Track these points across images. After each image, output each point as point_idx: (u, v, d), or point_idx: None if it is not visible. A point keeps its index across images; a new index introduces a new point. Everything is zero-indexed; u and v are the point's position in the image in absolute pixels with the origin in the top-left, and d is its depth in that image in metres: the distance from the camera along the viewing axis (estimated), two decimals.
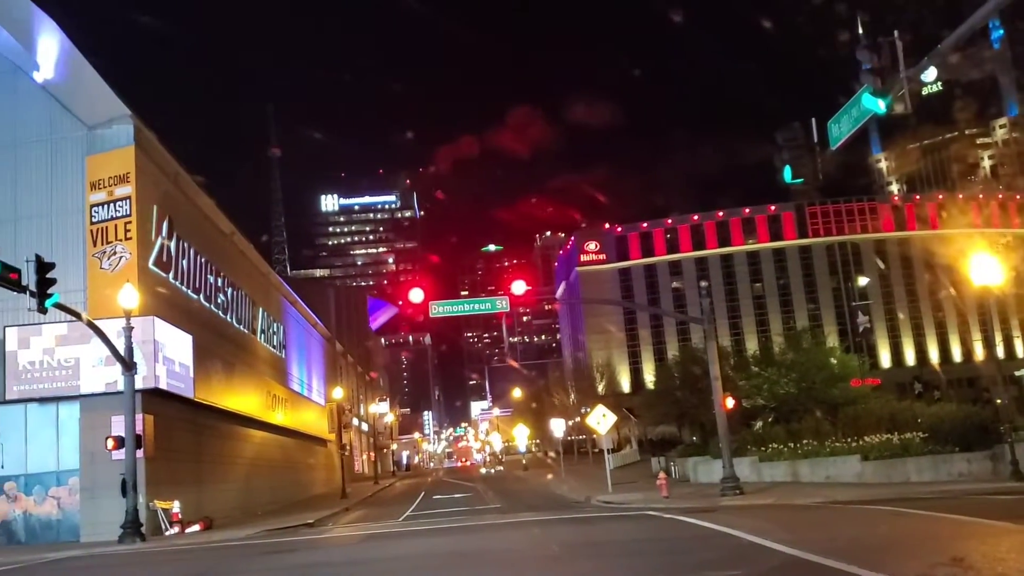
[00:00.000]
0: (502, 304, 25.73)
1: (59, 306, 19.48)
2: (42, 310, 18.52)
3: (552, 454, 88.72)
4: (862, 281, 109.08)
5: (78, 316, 21.19)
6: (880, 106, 11.95)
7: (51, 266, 18.67)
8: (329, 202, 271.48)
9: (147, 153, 29.10)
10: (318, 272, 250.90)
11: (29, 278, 18.27)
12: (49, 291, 18.67)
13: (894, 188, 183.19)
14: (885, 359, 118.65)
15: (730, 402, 28.18)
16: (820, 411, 36.85)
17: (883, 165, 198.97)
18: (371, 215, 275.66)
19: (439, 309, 25.51)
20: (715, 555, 12.20)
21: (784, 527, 14.85)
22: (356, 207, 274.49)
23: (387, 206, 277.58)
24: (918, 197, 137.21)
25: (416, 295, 24.64)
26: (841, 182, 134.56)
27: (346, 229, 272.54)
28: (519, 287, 24.61)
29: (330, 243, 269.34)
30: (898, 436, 27.44)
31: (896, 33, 11.85)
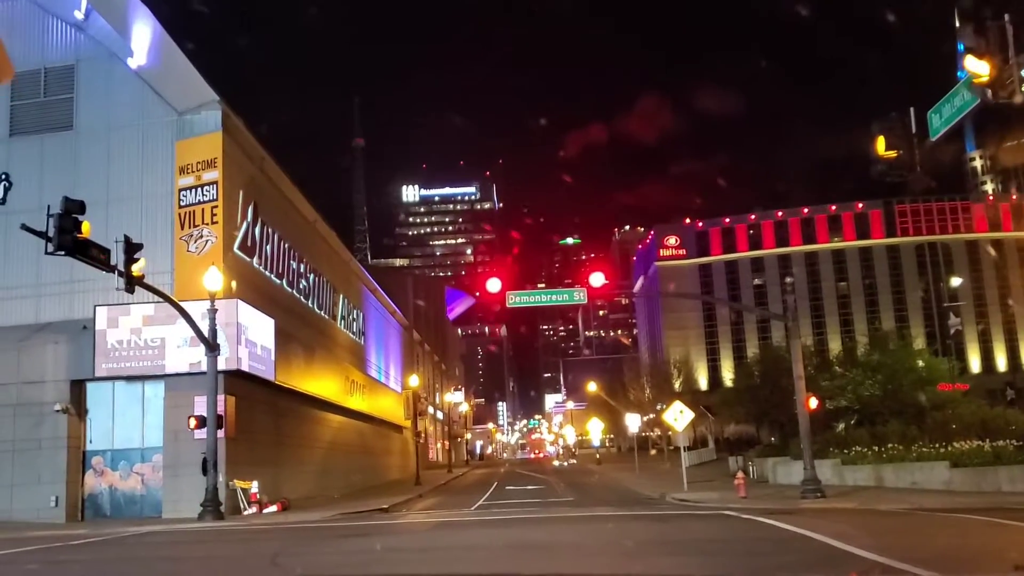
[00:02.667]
0: (580, 296, 25.42)
1: (146, 286, 19.98)
2: (129, 289, 19.01)
3: (625, 449, 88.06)
4: (955, 281, 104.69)
5: (164, 296, 21.71)
6: (988, 95, 11.25)
7: (139, 247, 19.15)
8: (410, 192, 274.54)
9: (234, 139, 29.67)
10: (398, 262, 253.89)
11: (117, 258, 18.74)
12: (136, 271, 19.11)
13: (988, 187, 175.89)
14: (975, 364, 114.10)
15: (813, 402, 27.28)
16: (906, 415, 35.59)
17: (977, 163, 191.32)
18: (450, 206, 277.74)
19: (516, 300, 25.34)
20: (795, 558, 11.76)
21: (869, 532, 14.29)
22: (436, 198, 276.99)
23: (467, 197, 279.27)
24: (1015, 196, 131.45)
25: (493, 285, 24.47)
26: (933, 180, 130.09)
27: (426, 220, 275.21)
28: (597, 279, 24.26)
29: (410, 233, 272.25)
30: (989, 443, 26.25)
31: (1007, 16, 11.13)
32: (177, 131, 28.91)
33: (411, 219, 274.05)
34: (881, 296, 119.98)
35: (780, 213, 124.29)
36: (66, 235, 15.68)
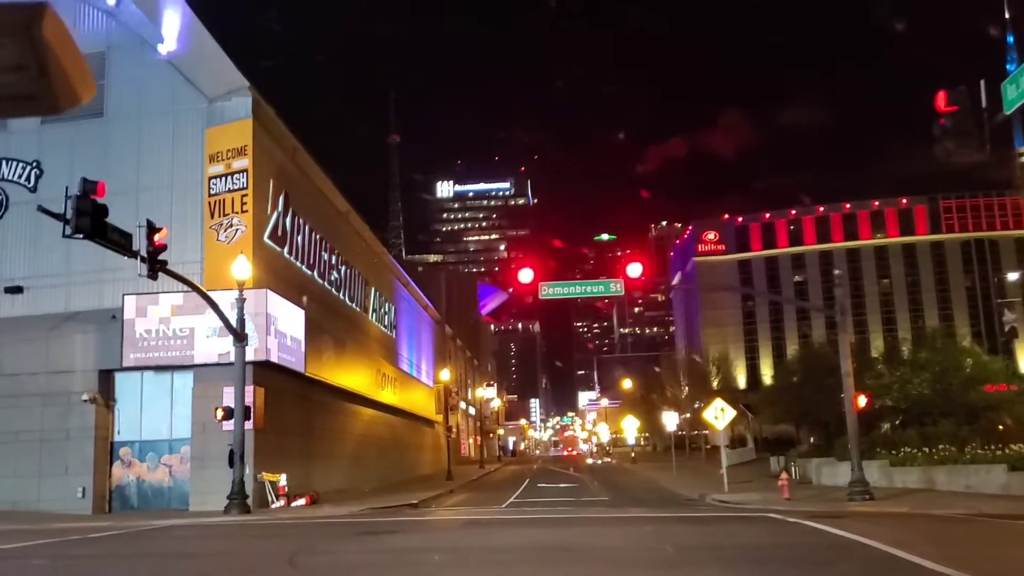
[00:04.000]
0: (616, 288, 24.47)
1: (169, 272, 19.41)
2: (152, 276, 18.45)
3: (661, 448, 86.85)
4: (1011, 276, 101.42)
5: (189, 284, 21.16)
6: None
7: (162, 231, 18.54)
8: (444, 188, 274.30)
9: (265, 127, 29.13)
10: (432, 258, 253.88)
11: (140, 244, 18.19)
12: (160, 257, 18.54)
13: None
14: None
15: (862, 400, 26.22)
16: (957, 416, 34.19)
17: None
18: (485, 202, 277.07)
19: (549, 291, 24.45)
20: (852, 568, 10.84)
21: (928, 540, 13.27)
22: (470, 193, 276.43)
23: (501, 193, 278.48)
24: None
25: (526, 275, 23.63)
26: (980, 176, 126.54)
27: (460, 215, 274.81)
28: (635, 270, 23.26)
29: (444, 229, 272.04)
30: None
31: None
32: (207, 118, 28.41)
33: (445, 215, 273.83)
34: (925, 294, 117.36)
35: (821, 208, 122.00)
36: (84, 217, 15.10)
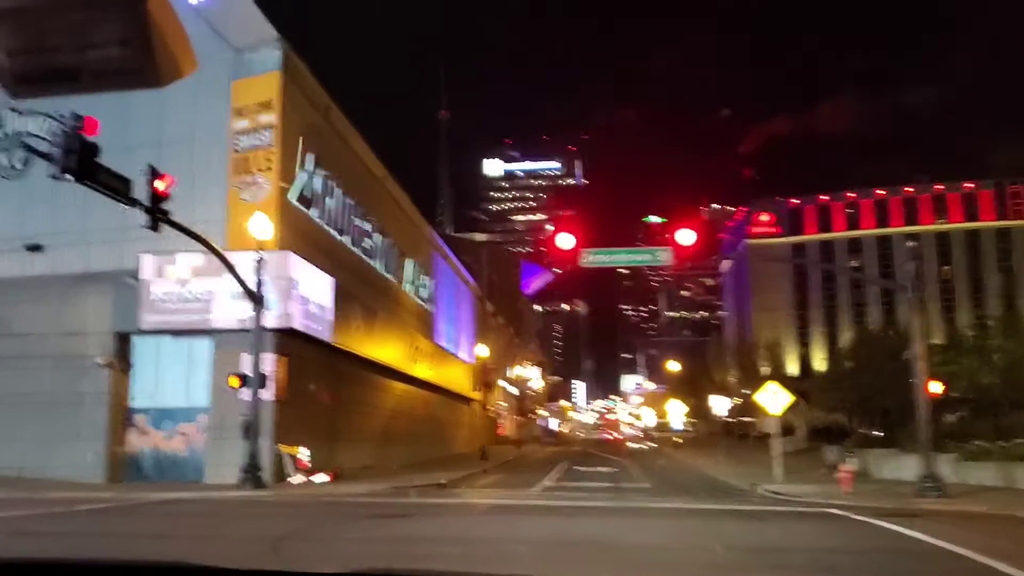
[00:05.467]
0: (664, 256, 22.25)
1: (173, 223, 17.83)
2: (153, 227, 16.86)
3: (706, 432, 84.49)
4: None
5: (198, 238, 19.56)
6: None
7: (165, 178, 16.94)
8: (493, 167, 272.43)
9: (295, 81, 27.49)
10: (479, 236, 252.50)
11: (142, 191, 16.61)
12: (163, 206, 16.96)
13: None
14: None
15: (935, 386, 23.87)
16: None
17: None
18: (533, 181, 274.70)
19: (590, 258, 22.38)
20: None
21: None
22: (519, 173, 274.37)
23: (550, 172, 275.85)
24: None
25: (564, 240, 21.15)
26: None
27: (508, 195, 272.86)
28: (687, 236, 21.04)
29: (492, 208, 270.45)
30: None
31: None
32: (234, 70, 26.77)
33: (493, 193, 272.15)
34: (988, 282, 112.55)
35: (881, 191, 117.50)
36: (71, 155, 13.52)
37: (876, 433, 41.54)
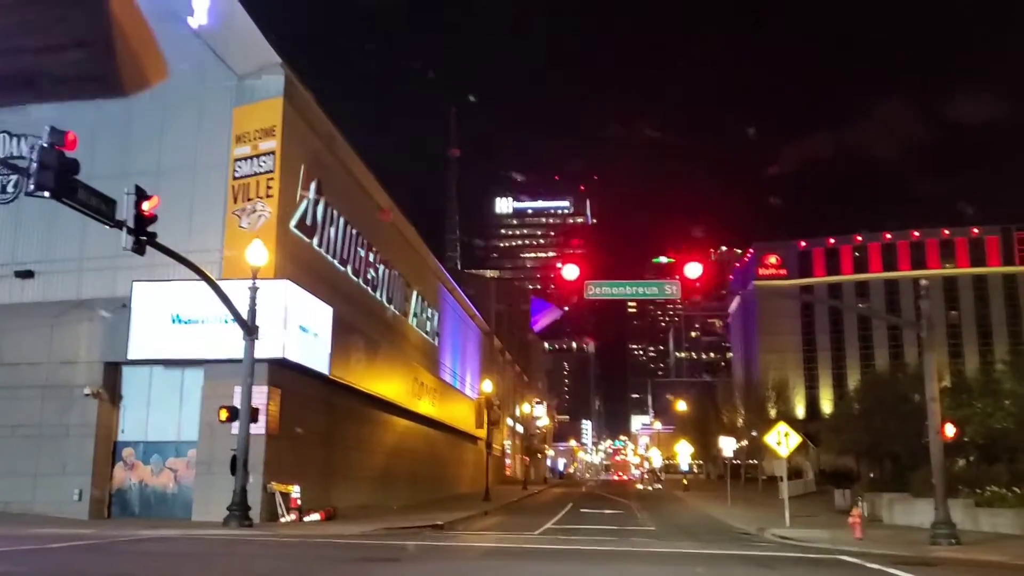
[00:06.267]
0: (671, 290, 21.66)
1: (160, 247, 17.21)
2: (138, 250, 16.24)
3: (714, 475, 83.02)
4: None
5: (183, 260, 18.90)
6: None
7: (152, 199, 16.32)
8: (503, 204, 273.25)
9: (297, 108, 27.05)
10: (488, 273, 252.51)
11: (127, 212, 15.99)
12: (150, 229, 16.33)
13: None
14: None
15: (950, 429, 22.94)
16: None
17: None
18: (543, 219, 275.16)
19: (596, 291, 21.76)
20: None
21: None
22: (529, 211, 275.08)
23: (560, 211, 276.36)
24: None
25: (570, 271, 20.93)
26: None
27: (518, 232, 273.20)
28: (694, 270, 20.48)
29: (501, 245, 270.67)
30: None
31: None
32: (236, 97, 26.41)
33: (503, 230, 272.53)
34: (996, 328, 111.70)
35: (888, 235, 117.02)
36: (46, 172, 12.91)
37: (883, 476, 40.40)
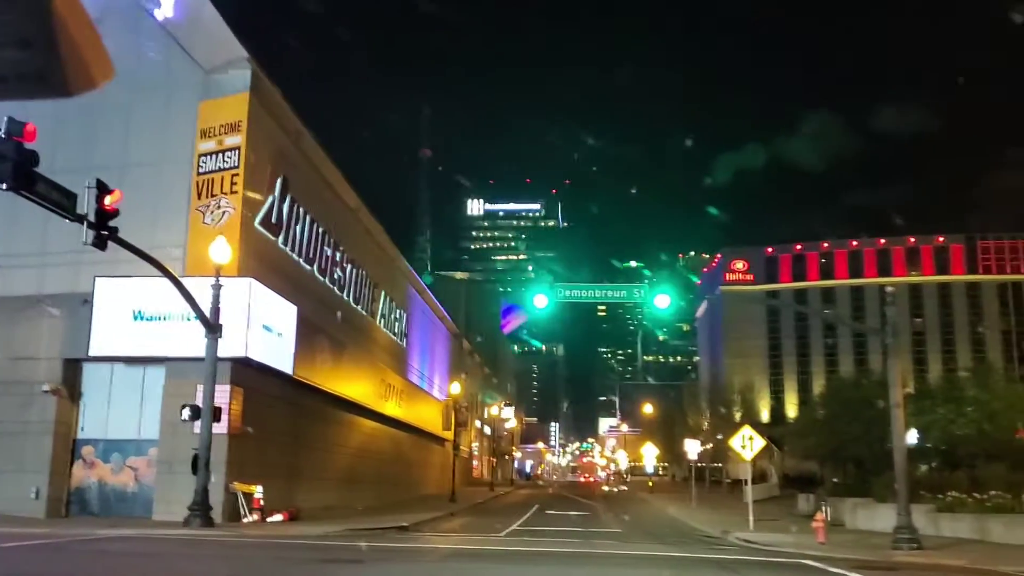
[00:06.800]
0: (639, 294, 21.84)
1: (122, 242, 16.92)
2: (99, 245, 15.94)
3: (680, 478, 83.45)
4: None
5: (144, 256, 18.61)
6: None
7: (114, 193, 16.04)
8: (475, 206, 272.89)
9: (264, 104, 26.79)
10: (458, 275, 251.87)
11: (88, 206, 15.70)
12: (111, 223, 16.05)
13: None
14: None
15: (913, 435, 23.20)
16: (1007, 460, 30.93)
17: None
18: (514, 222, 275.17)
19: (566, 294, 21.86)
20: None
21: None
22: (500, 213, 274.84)
23: (531, 214, 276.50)
24: None
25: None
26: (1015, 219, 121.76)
27: (489, 234, 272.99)
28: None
29: (472, 247, 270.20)
30: None
31: None
32: (202, 91, 26.04)
33: (474, 233, 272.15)
34: (959, 335, 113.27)
35: (855, 243, 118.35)
36: (5, 163, 12.61)
37: (845, 481, 40.78)
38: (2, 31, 2.22)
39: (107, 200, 15.70)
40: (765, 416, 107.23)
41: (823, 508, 28.60)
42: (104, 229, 15.76)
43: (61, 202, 14.48)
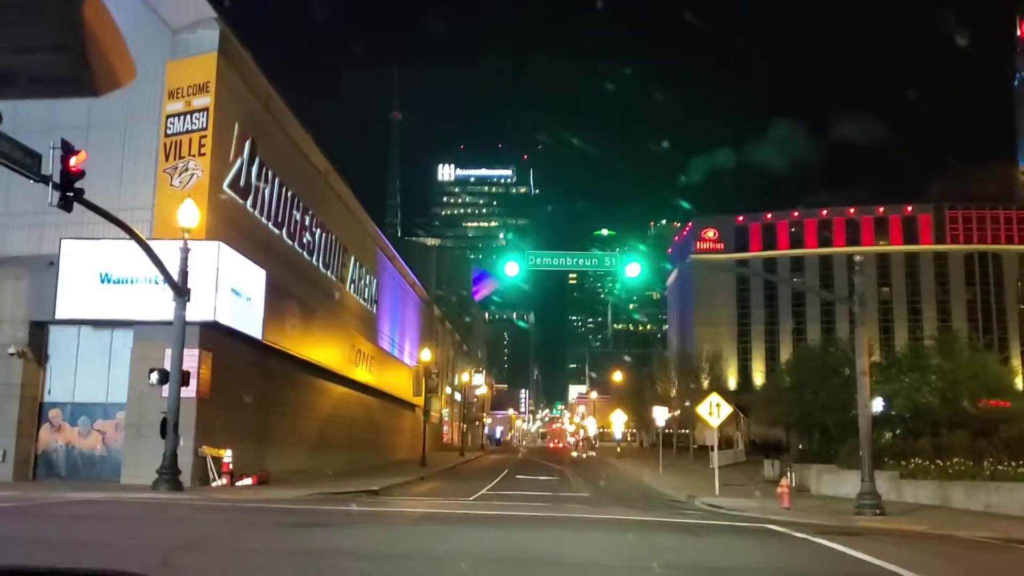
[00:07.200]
0: (610, 262, 21.89)
1: (88, 204, 16.64)
2: (64, 206, 15.67)
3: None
4: None
5: (110, 217, 18.34)
6: None
7: (80, 154, 15.74)
8: (446, 171, 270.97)
9: (233, 65, 26.34)
10: (429, 241, 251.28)
11: (53, 167, 15.40)
12: (77, 185, 15.75)
13: None
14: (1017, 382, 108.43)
15: (879, 402, 23.55)
16: (970, 428, 31.57)
17: None
18: (486, 188, 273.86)
19: (537, 261, 21.84)
20: None
21: (979, 572, 10.67)
22: (472, 179, 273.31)
23: (503, 180, 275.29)
24: None
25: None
26: (978, 191, 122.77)
27: (460, 200, 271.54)
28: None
29: (443, 213, 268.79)
30: None
31: None
32: (170, 51, 25.54)
33: (445, 199, 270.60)
34: (925, 304, 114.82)
35: (824, 212, 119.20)
36: None
37: (811, 448, 41.43)
38: (38, 38, 2.40)
39: (73, 161, 15.39)
40: (733, 384, 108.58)
41: (788, 474, 29.09)
42: (70, 190, 15.48)
43: (24, 162, 14.19)
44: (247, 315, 25.65)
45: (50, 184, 15.25)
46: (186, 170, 24.47)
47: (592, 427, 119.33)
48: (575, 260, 23.51)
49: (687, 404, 61.25)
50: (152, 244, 20.66)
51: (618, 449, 69.53)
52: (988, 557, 13.60)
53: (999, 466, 24.17)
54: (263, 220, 28.75)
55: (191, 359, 22.24)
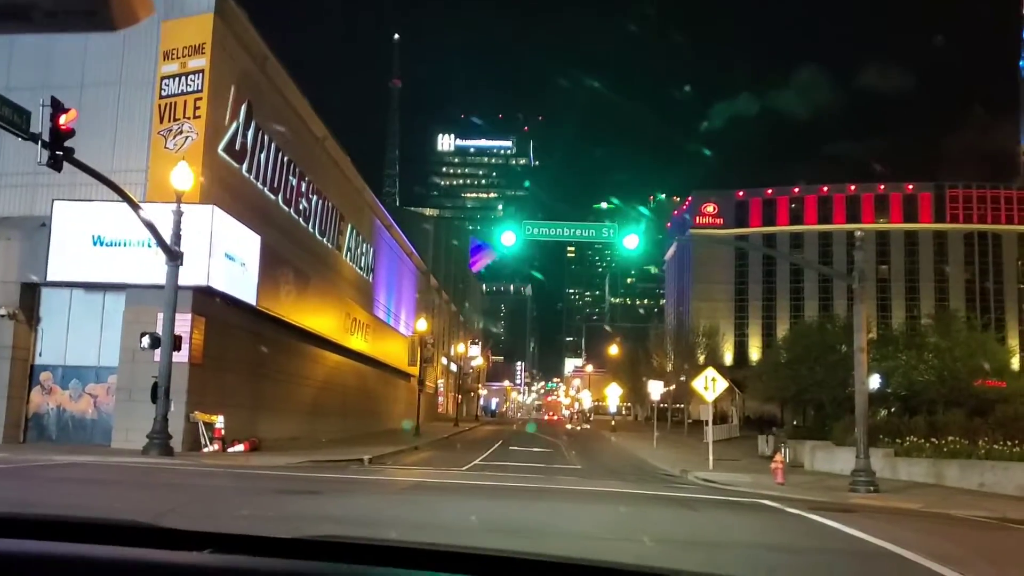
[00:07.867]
0: (608, 233, 21.60)
1: (78, 163, 16.34)
2: (54, 165, 15.38)
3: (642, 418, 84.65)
4: None
5: (101, 178, 18.03)
6: None
7: (70, 112, 15.42)
8: (445, 142, 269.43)
9: (229, 26, 25.92)
10: (427, 211, 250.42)
11: (43, 125, 15.10)
12: (67, 144, 15.45)
13: None
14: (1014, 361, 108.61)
15: (875, 380, 23.43)
16: (965, 406, 31.53)
17: None
18: (485, 159, 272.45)
19: (533, 231, 21.57)
20: None
21: (975, 551, 10.53)
22: (471, 149, 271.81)
23: (502, 151, 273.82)
24: None
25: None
26: (982, 170, 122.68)
27: (459, 171, 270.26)
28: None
29: (442, 183, 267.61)
30: None
31: None
32: (165, 10, 25.04)
33: (444, 169, 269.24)
34: (923, 283, 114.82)
35: (825, 188, 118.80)
36: None
37: (806, 424, 41.46)
38: None
39: (63, 119, 15.09)
40: (729, 359, 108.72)
41: (782, 450, 29.03)
42: (59, 149, 15.19)
43: (13, 119, 13.91)
44: (241, 280, 25.42)
45: (39, 142, 14.90)
46: (181, 132, 24.14)
47: (587, 400, 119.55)
48: (572, 230, 23.16)
49: (683, 379, 61.20)
50: (145, 207, 20.42)
51: (612, 423, 69.62)
52: (982, 535, 13.50)
53: (994, 445, 24.09)
54: (259, 185, 28.45)
55: (183, 324, 22.04)
